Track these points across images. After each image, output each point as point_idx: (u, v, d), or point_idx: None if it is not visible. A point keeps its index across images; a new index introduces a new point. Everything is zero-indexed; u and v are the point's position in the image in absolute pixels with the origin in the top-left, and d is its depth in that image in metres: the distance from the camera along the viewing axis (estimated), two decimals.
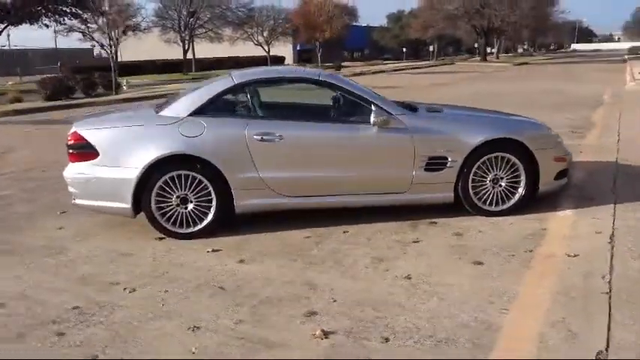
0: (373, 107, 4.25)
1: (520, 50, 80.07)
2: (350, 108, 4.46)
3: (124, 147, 4.13)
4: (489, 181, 4.41)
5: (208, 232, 4.16)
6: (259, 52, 41.03)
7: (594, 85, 17.39)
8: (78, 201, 4.27)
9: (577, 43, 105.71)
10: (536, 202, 4.51)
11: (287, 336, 2.72)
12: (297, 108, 5.12)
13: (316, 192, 4.30)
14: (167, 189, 4.09)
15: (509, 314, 2.85)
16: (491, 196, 4.44)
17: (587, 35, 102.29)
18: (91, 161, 4.11)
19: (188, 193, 4.11)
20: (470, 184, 4.38)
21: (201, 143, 4.08)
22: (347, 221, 4.37)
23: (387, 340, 2.65)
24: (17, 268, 3.72)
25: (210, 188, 4.10)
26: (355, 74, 30.50)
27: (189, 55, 39.91)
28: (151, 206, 4.08)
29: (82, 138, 4.13)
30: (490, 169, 4.39)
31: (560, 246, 3.77)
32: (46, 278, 3.54)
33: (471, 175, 4.36)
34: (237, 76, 4.42)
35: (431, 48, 56.59)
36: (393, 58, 60.29)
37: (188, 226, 4.15)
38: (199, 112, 4.19)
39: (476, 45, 56.56)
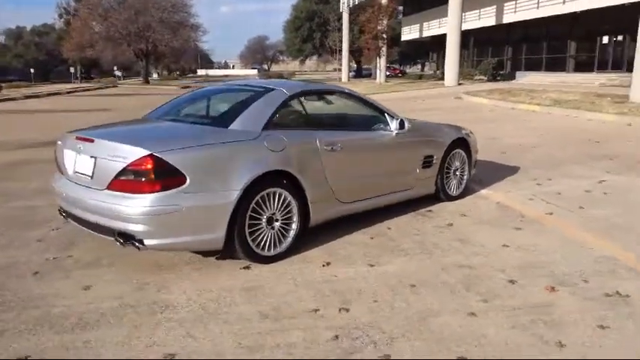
0: (387, 116, 4.85)
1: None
2: (370, 118, 4.90)
3: (214, 168, 3.56)
4: (452, 172, 5.56)
5: (289, 251, 3.97)
6: None
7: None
8: (150, 242, 3.39)
9: (201, 68, 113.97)
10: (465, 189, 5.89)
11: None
12: (335, 118, 5.20)
13: (363, 195, 4.60)
14: (259, 210, 3.74)
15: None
16: (454, 183, 5.60)
17: (207, 62, 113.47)
18: (178, 189, 3.38)
19: (275, 211, 3.85)
20: (444, 177, 5.43)
21: (287, 157, 3.89)
22: (367, 222, 4.75)
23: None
24: None
25: (293, 204, 3.95)
26: (28, 96, 27.05)
27: None
28: (245, 231, 3.66)
29: (164, 162, 3.34)
30: (452, 163, 5.54)
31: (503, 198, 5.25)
32: None
33: (444, 169, 5.42)
34: (287, 88, 4.30)
35: (72, 69, 52.76)
36: (18, 80, 52.99)
37: (274, 247, 3.88)
38: (269, 125, 3.96)
39: (115, 68, 55.91)
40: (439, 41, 41.38)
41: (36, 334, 2.87)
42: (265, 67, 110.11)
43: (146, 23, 46.61)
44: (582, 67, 26.10)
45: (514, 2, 28.83)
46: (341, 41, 46.61)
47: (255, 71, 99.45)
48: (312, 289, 3.43)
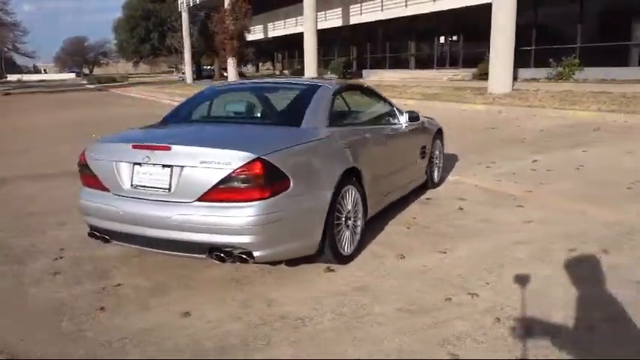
0: (396, 110, 5.01)
1: None
2: (386, 112, 4.97)
3: (310, 169, 3.39)
4: (434, 160, 5.91)
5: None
6: None
7: None
8: (259, 253, 3.08)
9: (8, 74, 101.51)
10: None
11: None
12: (366, 113, 5.04)
13: (394, 187, 4.69)
14: (340, 208, 3.63)
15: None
16: (436, 171, 5.96)
17: (11, 66, 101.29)
18: (284, 193, 3.13)
19: (350, 209, 3.77)
20: (429, 165, 5.76)
21: (353, 154, 3.83)
22: (384, 214, 4.77)
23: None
24: None
25: (359, 200, 3.90)
26: None
27: None
28: (333, 231, 3.53)
29: (272, 166, 3.05)
30: (434, 152, 5.89)
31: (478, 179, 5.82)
32: None
33: (430, 158, 5.75)
34: (328, 85, 4.19)
35: None
36: None
37: (350, 245, 3.80)
38: (330, 122, 3.85)
39: None
40: (285, 42, 42.42)
41: None
42: (86, 70, 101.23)
43: None
44: (423, 64, 28.88)
45: (359, 5, 30.75)
46: (183, 42, 44.99)
47: (73, 75, 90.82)
48: (417, 279, 3.46)
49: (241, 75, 56.59)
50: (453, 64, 26.56)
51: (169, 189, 3.17)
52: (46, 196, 6.16)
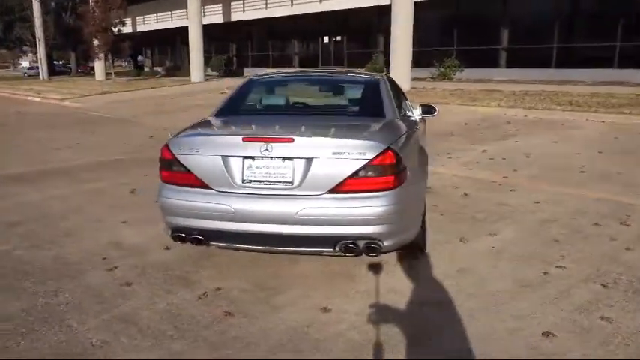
0: (409, 102, 5.23)
1: None
2: (407, 105, 5.12)
3: (416, 159, 3.57)
4: None
5: None
6: None
7: None
8: (388, 243, 3.09)
9: None
10: None
11: None
12: (403, 105, 4.98)
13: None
14: None
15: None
16: None
17: None
18: (405, 182, 3.17)
19: None
20: None
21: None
22: None
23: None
24: None
25: None
26: None
27: None
28: (425, 219, 3.67)
29: (400, 156, 3.08)
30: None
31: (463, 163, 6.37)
32: None
33: None
34: (378, 76, 4.26)
35: None
36: None
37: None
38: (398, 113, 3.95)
39: None
40: (156, 37, 40.44)
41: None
42: None
43: None
44: (306, 64, 29.51)
45: (241, 2, 30.45)
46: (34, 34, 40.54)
47: None
48: (500, 259, 3.73)
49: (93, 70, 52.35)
50: (338, 64, 27.56)
51: (292, 182, 3.06)
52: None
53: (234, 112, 4.03)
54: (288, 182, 3.07)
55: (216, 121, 3.85)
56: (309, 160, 3.03)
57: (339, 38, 27.70)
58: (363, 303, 3.08)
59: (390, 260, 3.68)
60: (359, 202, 3.02)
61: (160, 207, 3.32)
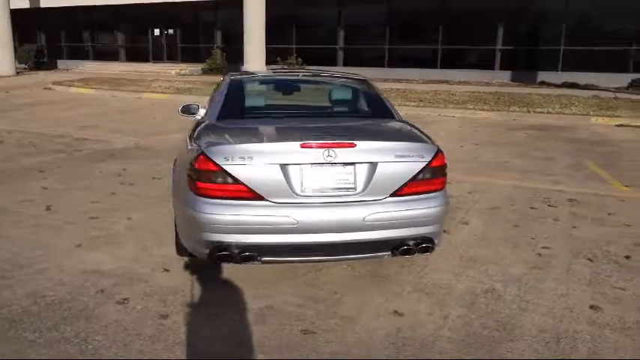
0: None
1: None
2: None
3: None
4: None
5: None
6: None
7: None
8: (438, 241, 3.21)
9: None
10: None
11: None
12: None
13: None
14: None
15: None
16: None
17: None
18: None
19: None
20: None
21: None
22: None
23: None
24: None
25: None
26: None
27: None
28: None
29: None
30: None
31: None
32: None
33: None
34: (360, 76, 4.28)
35: None
36: None
37: None
38: None
39: None
40: None
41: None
42: None
43: None
44: (136, 57, 27.51)
45: None
46: None
47: None
48: (498, 245, 4.10)
49: None
50: (171, 57, 26.32)
51: (355, 188, 2.97)
52: None
53: (242, 115, 3.72)
54: (352, 188, 2.98)
55: (241, 126, 3.53)
56: (372, 165, 2.99)
57: (171, 31, 26.41)
58: (425, 303, 3.14)
59: (393, 260, 3.77)
60: (418, 204, 3.08)
61: (195, 223, 2.93)
